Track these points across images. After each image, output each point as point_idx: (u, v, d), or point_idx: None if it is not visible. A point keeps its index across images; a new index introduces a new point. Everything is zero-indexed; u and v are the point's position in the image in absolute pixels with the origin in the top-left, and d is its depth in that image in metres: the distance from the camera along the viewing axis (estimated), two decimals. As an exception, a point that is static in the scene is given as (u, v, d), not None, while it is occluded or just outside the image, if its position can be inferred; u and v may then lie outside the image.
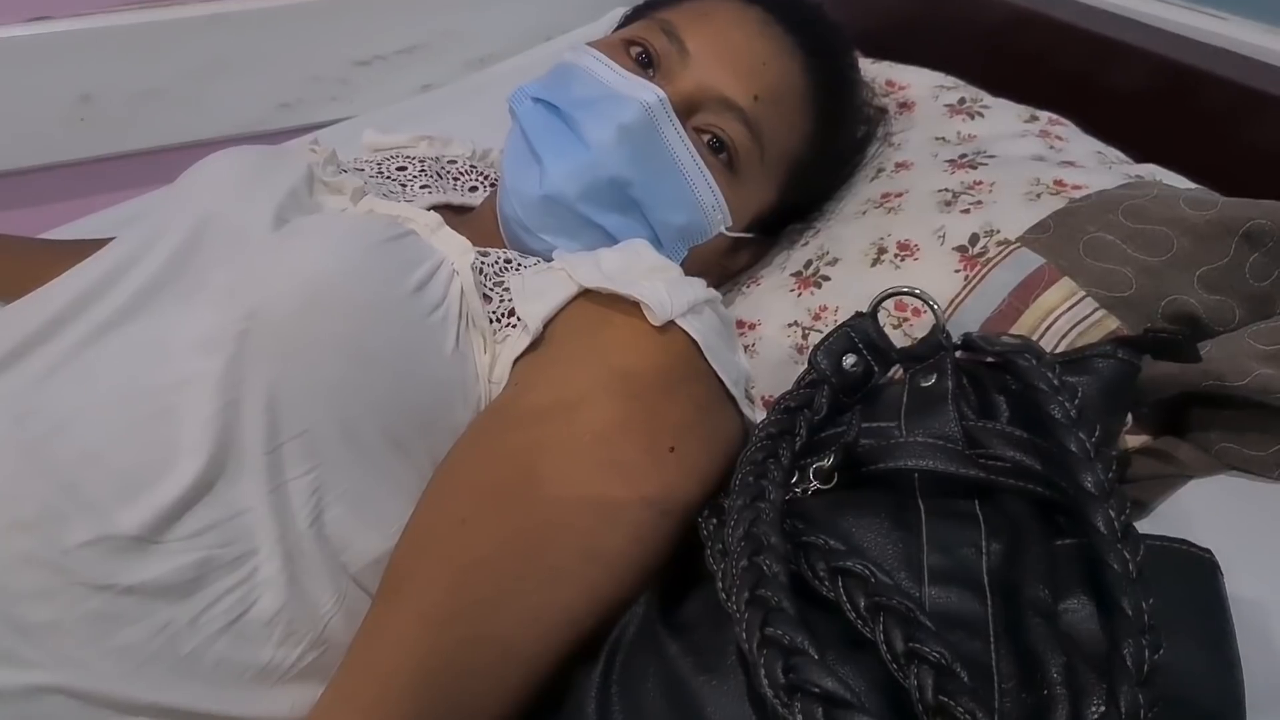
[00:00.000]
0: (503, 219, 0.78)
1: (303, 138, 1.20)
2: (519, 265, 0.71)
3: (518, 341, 0.64)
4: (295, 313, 0.59)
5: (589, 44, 0.80)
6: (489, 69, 1.32)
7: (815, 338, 0.72)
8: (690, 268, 0.78)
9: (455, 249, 0.67)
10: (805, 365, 0.64)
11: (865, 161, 0.90)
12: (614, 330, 0.63)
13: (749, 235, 0.82)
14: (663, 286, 0.63)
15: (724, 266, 0.84)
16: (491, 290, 0.67)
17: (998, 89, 0.94)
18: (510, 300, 0.66)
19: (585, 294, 0.65)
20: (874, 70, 0.97)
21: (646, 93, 0.73)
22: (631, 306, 0.63)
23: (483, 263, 0.68)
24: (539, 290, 0.66)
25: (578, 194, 0.72)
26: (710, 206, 0.76)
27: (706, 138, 0.75)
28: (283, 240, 0.65)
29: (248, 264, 0.63)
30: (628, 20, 0.87)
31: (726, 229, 0.78)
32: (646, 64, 0.77)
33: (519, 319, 0.65)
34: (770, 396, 0.74)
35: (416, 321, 0.62)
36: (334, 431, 0.58)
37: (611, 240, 0.74)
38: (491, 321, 0.65)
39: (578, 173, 0.72)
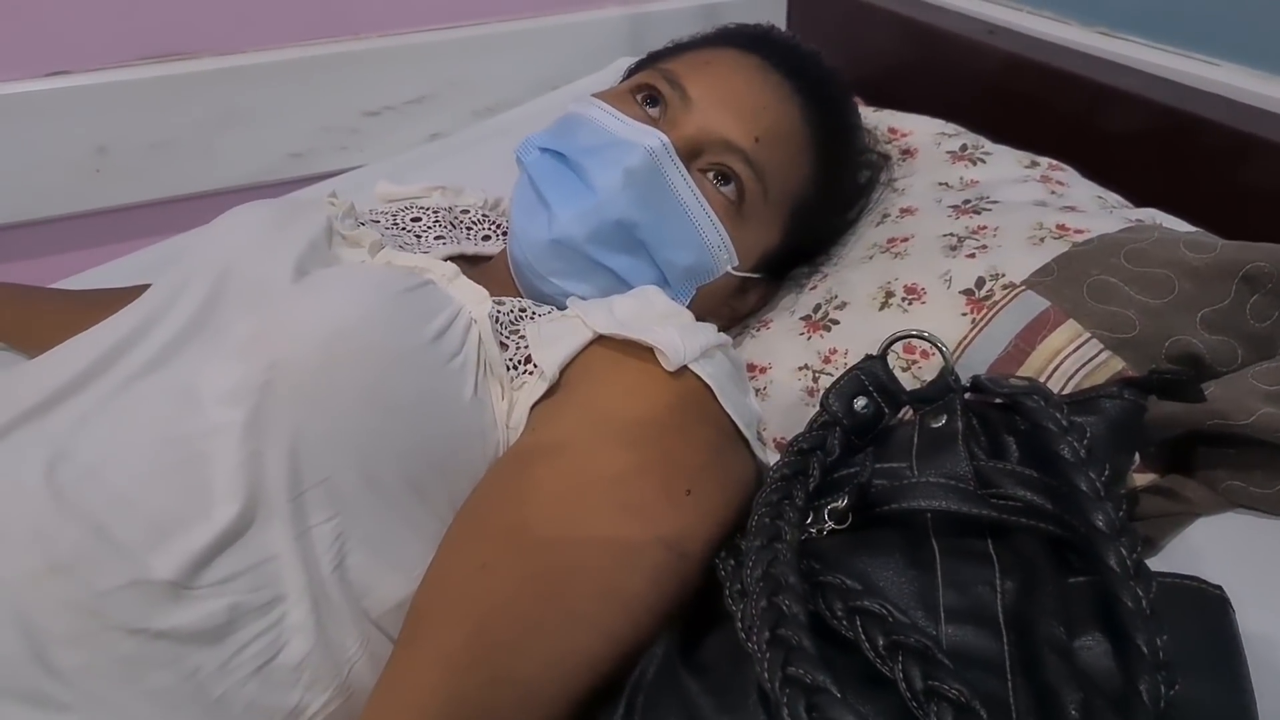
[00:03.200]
0: (514, 265, 0.79)
1: (315, 186, 1.22)
2: (534, 314, 0.72)
3: (535, 388, 0.65)
4: (316, 363, 0.60)
5: (594, 95, 0.82)
6: (496, 118, 1.34)
7: (825, 380, 0.74)
8: (699, 309, 0.79)
9: (472, 298, 0.68)
10: (816, 407, 0.65)
11: (870, 206, 0.91)
12: (629, 375, 0.64)
13: (756, 276, 0.83)
14: (675, 332, 0.64)
15: (733, 308, 0.85)
16: (508, 338, 0.68)
17: (996, 135, 0.96)
18: (526, 347, 0.67)
19: (599, 340, 0.66)
20: (876, 118, 0.99)
21: (650, 138, 0.75)
22: (645, 352, 0.64)
23: (499, 311, 0.70)
24: (554, 337, 0.67)
25: (585, 237, 0.74)
26: (716, 246, 0.78)
27: (711, 174, 0.77)
28: (303, 292, 0.66)
29: (269, 315, 0.64)
30: (631, 74, 0.89)
31: (733, 268, 0.80)
32: (652, 105, 0.79)
33: (535, 365, 0.66)
34: (782, 438, 0.75)
35: (435, 370, 0.63)
36: (355, 478, 0.59)
37: (620, 282, 0.76)
38: (508, 369, 0.67)
39: (585, 216, 0.74)
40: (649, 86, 0.80)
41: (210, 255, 0.72)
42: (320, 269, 0.70)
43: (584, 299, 0.74)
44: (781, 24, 1.43)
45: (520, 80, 1.36)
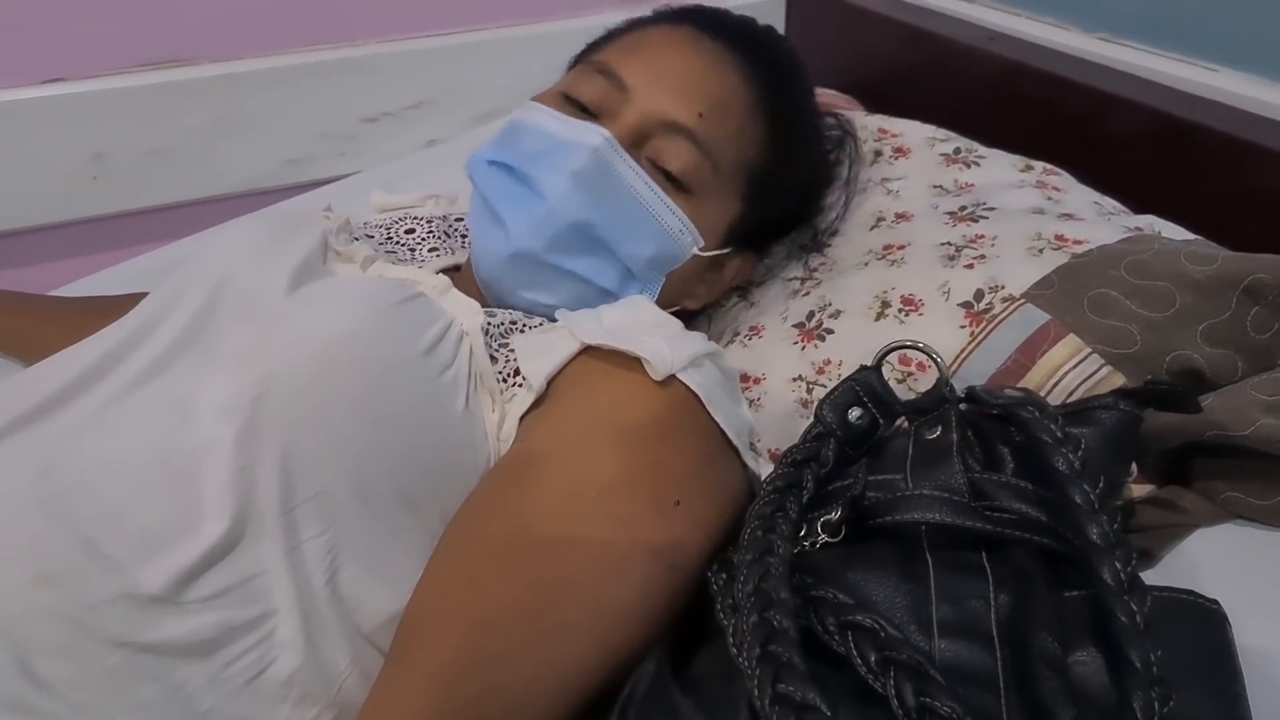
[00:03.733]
0: (480, 283, 0.78)
1: (314, 193, 1.22)
2: (524, 326, 0.72)
3: (523, 400, 0.65)
4: (308, 376, 0.60)
5: (534, 98, 0.81)
6: (494, 124, 1.33)
7: (820, 391, 0.73)
8: (672, 292, 0.79)
9: (464, 310, 0.68)
10: (810, 418, 0.64)
11: (852, 188, 0.90)
12: (616, 385, 0.63)
13: (725, 251, 0.82)
14: (663, 342, 0.64)
15: (710, 283, 0.84)
16: (498, 351, 0.68)
17: (996, 141, 0.96)
18: (514, 360, 0.67)
19: (588, 351, 0.66)
20: (867, 121, 0.99)
21: (592, 135, 0.73)
22: (633, 362, 0.63)
23: (490, 323, 0.69)
24: (542, 348, 0.66)
25: (544, 246, 0.73)
26: (677, 231, 0.76)
27: (662, 167, 0.75)
28: (295, 305, 0.66)
29: (262, 329, 0.64)
30: (571, 66, 0.87)
31: (699, 249, 0.78)
32: (587, 112, 0.77)
33: (524, 378, 0.65)
34: (776, 449, 0.75)
35: (427, 383, 0.62)
36: (347, 492, 0.59)
37: (587, 284, 0.75)
38: (499, 381, 0.66)
39: (539, 225, 0.73)
40: (581, 88, 0.78)
41: (205, 268, 0.72)
42: (312, 283, 0.70)
43: (558, 306, 0.74)
44: (780, 29, 1.42)
45: (518, 86, 1.32)
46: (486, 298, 0.79)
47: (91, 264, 1.18)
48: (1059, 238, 0.74)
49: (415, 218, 0.91)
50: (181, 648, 0.55)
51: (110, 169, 1.19)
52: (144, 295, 0.74)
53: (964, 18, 1.23)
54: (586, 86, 0.78)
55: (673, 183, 0.76)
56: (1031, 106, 1.06)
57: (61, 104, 1.15)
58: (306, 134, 1.28)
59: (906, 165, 0.91)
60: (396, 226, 0.89)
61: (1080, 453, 0.54)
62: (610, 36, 0.85)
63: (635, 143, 0.75)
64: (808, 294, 0.82)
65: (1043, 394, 0.67)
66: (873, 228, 0.85)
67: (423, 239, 0.88)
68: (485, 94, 1.35)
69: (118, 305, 0.79)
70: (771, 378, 0.77)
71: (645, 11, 1.38)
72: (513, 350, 0.68)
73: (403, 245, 0.87)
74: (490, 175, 0.77)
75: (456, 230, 0.91)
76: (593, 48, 0.85)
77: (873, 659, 0.47)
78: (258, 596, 0.57)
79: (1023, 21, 1.19)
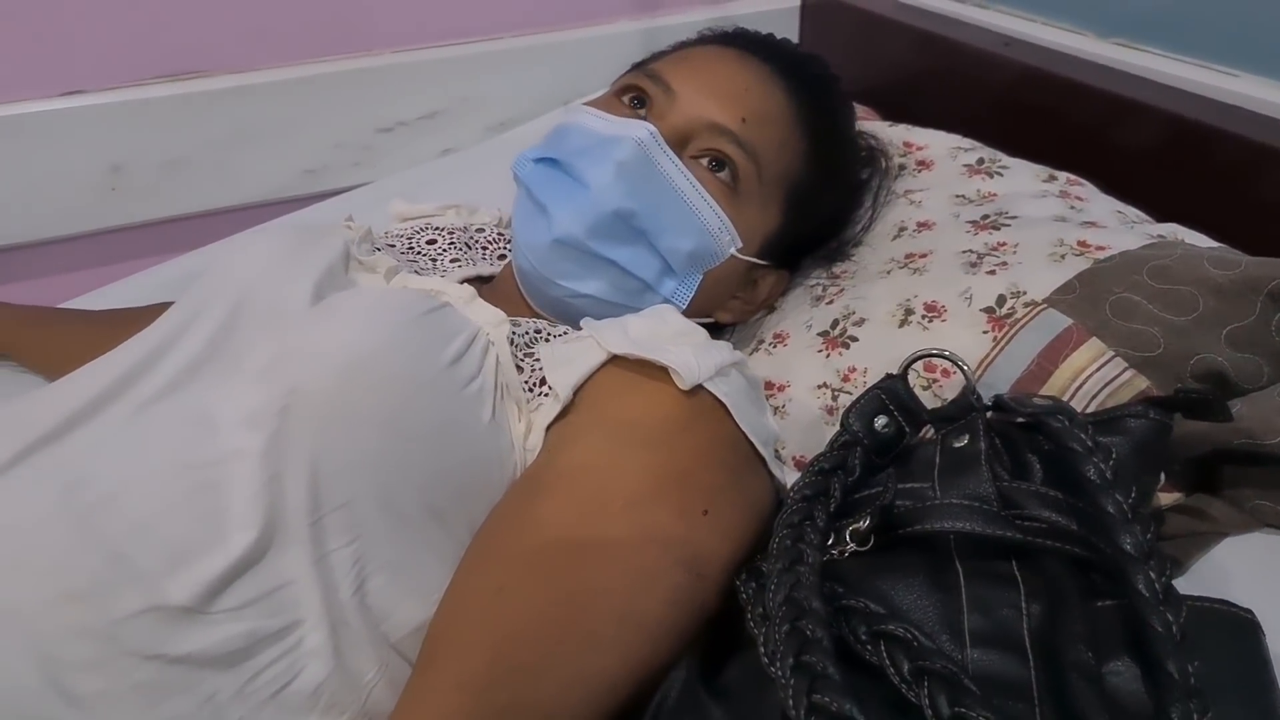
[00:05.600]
0: (520, 274, 0.79)
1: (329, 202, 1.23)
2: (549, 335, 0.73)
3: (550, 409, 0.65)
4: (334, 387, 0.60)
5: (582, 103, 0.82)
6: (509, 133, 1.34)
7: (845, 399, 0.73)
8: (709, 298, 0.80)
9: (489, 320, 0.68)
10: (836, 426, 0.64)
11: (879, 203, 0.91)
12: (643, 395, 0.63)
13: (763, 263, 0.83)
14: (689, 351, 0.64)
15: (743, 299, 0.85)
16: (523, 360, 0.68)
17: (1011, 147, 0.95)
18: (541, 370, 0.67)
19: (614, 360, 0.66)
20: (891, 132, 0.99)
21: (637, 129, 0.75)
22: (659, 371, 0.63)
23: (515, 333, 0.69)
24: (568, 358, 0.67)
25: (585, 232, 0.74)
26: (716, 229, 0.77)
27: (705, 160, 0.77)
28: (320, 317, 0.66)
29: (288, 340, 0.64)
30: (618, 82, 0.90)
31: (737, 250, 0.79)
32: (639, 105, 0.79)
33: (550, 387, 0.66)
34: (802, 457, 0.74)
35: (454, 393, 0.62)
36: (374, 502, 0.59)
37: (626, 274, 0.76)
38: (525, 391, 0.66)
39: (582, 212, 0.74)
40: (632, 87, 0.80)
41: (227, 279, 0.72)
42: (336, 294, 0.70)
43: (596, 297, 0.75)
44: (794, 38, 1.42)
45: (532, 96, 1.36)
46: (524, 294, 0.80)
47: (110, 275, 1.18)
48: (1081, 244, 0.74)
49: (436, 228, 0.91)
50: (211, 659, 0.55)
51: (128, 180, 1.19)
52: (165, 306, 0.74)
53: (979, 23, 1.23)
54: (635, 90, 0.80)
55: (715, 182, 0.77)
56: (1048, 113, 1.06)
57: (80, 116, 1.16)
58: (322, 144, 1.28)
59: (929, 176, 0.91)
60: (418, 236, 0.90)
61: (1111, 461, 0.54)
62: (659, 55, 0.88)
63: (679, 142, 0.77)
64: (831, 302, 0.81)
65: (1066, 398, 0.67)
66: (895, 237, 0.85)
67: (444, 249, 0.89)
68: (499, 103, 1.35)
69: (139, 317, 0.79)
70: (796, 385, 0.77)
71: (661, 22, 1.40)
72: (538, 360, 0.68)
73: (424, 255, 0.88)
74: (536, 170, 0.79)
75: (477, 241, 0.91)
76: (641, 63, 0.88)
77: (906, 669, 0.47)
78: (285, 606, 0.57)
79: (1038, 27, 1.19)
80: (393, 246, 0.87)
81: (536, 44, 1.36)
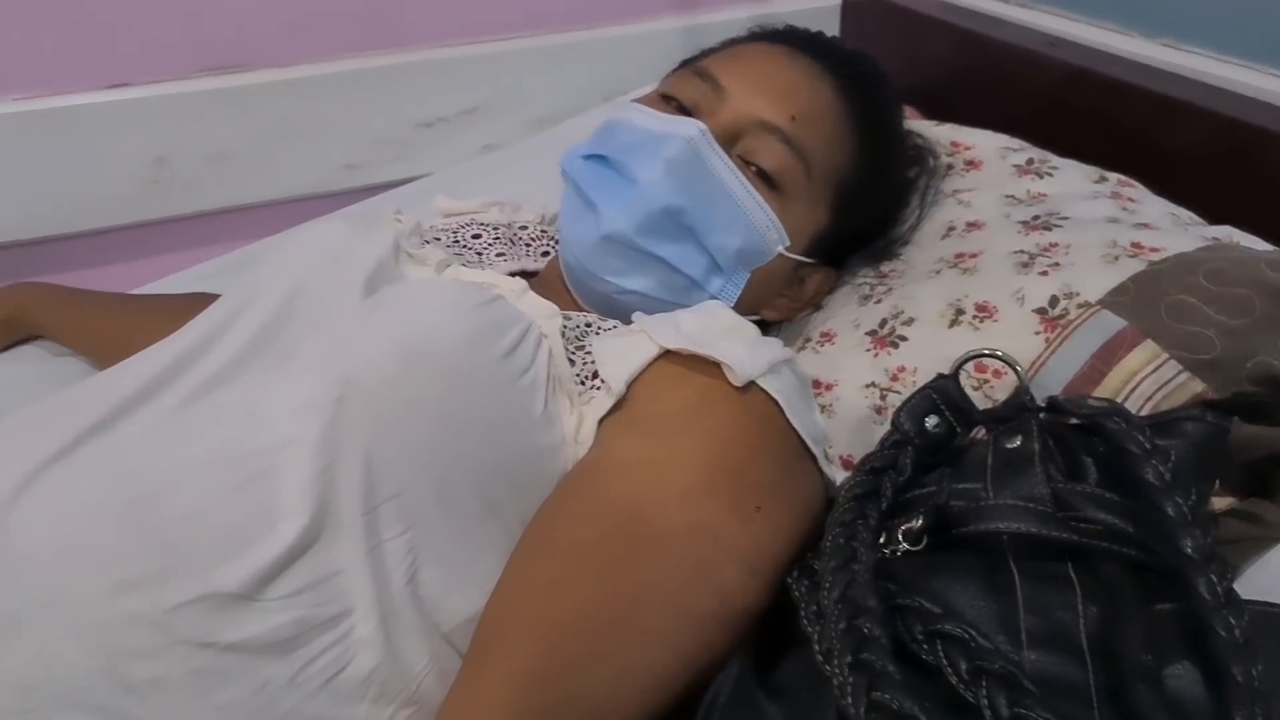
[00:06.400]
0: (566, 270, 0.80)
1: (377, 199, 1.23)
2: (599, 328, 0.73)
3: (602, 403, 0.65)
4: (390, 379, 0.60)
5: (632, 100, 0.83)
6: (549, 130, 1.34)
7: (894, 398, 0.73)
8: (755, 296, 0.80)
9: (541, 314, 0.69)
10: (885, 425, 0.64)
11: (927, 203, 0.91)
12: (696, 391, 0.63)
13: (810, 261, 0.83)
14: (742, 347, 0.64)
15: (789, 297, 0.85)
16: (575, 354, 0.68)
17: (1056, 148, 0.95)
18: (593, 363, 0.68)
19: (666, 355, 0.66)
20: (938, 132, 0.98)
21: (687, 127, 0.75)
22: (712, 367, 0.63)
23: (565, 327, 0.70)
24: (620, 352, 0.67)
25: (634, 228, 0.74)
26: (764, 226, 0.77)
27: (752, 164, 0.77)
28: (375, 309, 0.67)
29: (342, 333, 0.64)
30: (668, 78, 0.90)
31: (785, 249, 0.79)
32: (685, 113, 0.79)
33: (602, 381, 0.66)
34: (849, 456, 0.74)
35: (508, 385, 0.63)
36: (428, 493, 0.59)
37: (673, 271, 0.76)
38: (577, 384, 0.67)
39: (631, 208, 0.74)
40: (680, 88, 0.80)
41: (278, 271, 0.73)
42: (388, 287, 0.71)
43: (643, 294, 0.75)
44: (834, 34, 1.41)
45: (573, 92, 1.36)
46: (570, 290, 0.80)
47: (153, 266, 1.20)
48: (1135, 245, 0.73)
49: (481, 224, 0.92)
50: (262, 646, 0.55)
51: (171, 173, 1.21)
52: (214, 297, 0.75)
53: (1022, 23, 1.22)
54: (684, 88, 0.80)
55: (764, 180, 0.77)
56: (1095, 114, 1.05)
57: (125, 109, 1.17)
58: (363, 139, 1.29)
59: (978, 176, 0.91)
60: (463, 231, 0.90)
61: (1170, 464, 0.53)
62: (708, 52, 0.88)
63: (729, 140, 0.77)
64: (880, 301, 0.81)
65: (1119, 400, 0.66)
66: (944, 236, 0.85)
67: (489, 244, 0.89)
68: (538, 99, 1.36)
69: (190, 305, 0.80)
70: (844, 384, 0.76)
71: (702, 19, 1.40)
72: (589, 353, 0.68)
73: (470, 249, 0.88)
74: (585, 167, 0.79)
75: (521, 238, 0.92)
76: (689, 60, 0.88)
77: (964, 668, 0.47)
78: (336, 595, 0.57)
79: (1083, 27, 1.18)
80: (439, 240, 0.88)
81: (577, 40, 1.36)
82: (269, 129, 1.24)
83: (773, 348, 0.66)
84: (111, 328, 1.00)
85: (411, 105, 1.30)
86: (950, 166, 0.94)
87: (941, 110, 1.10)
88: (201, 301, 0.83)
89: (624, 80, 1.37)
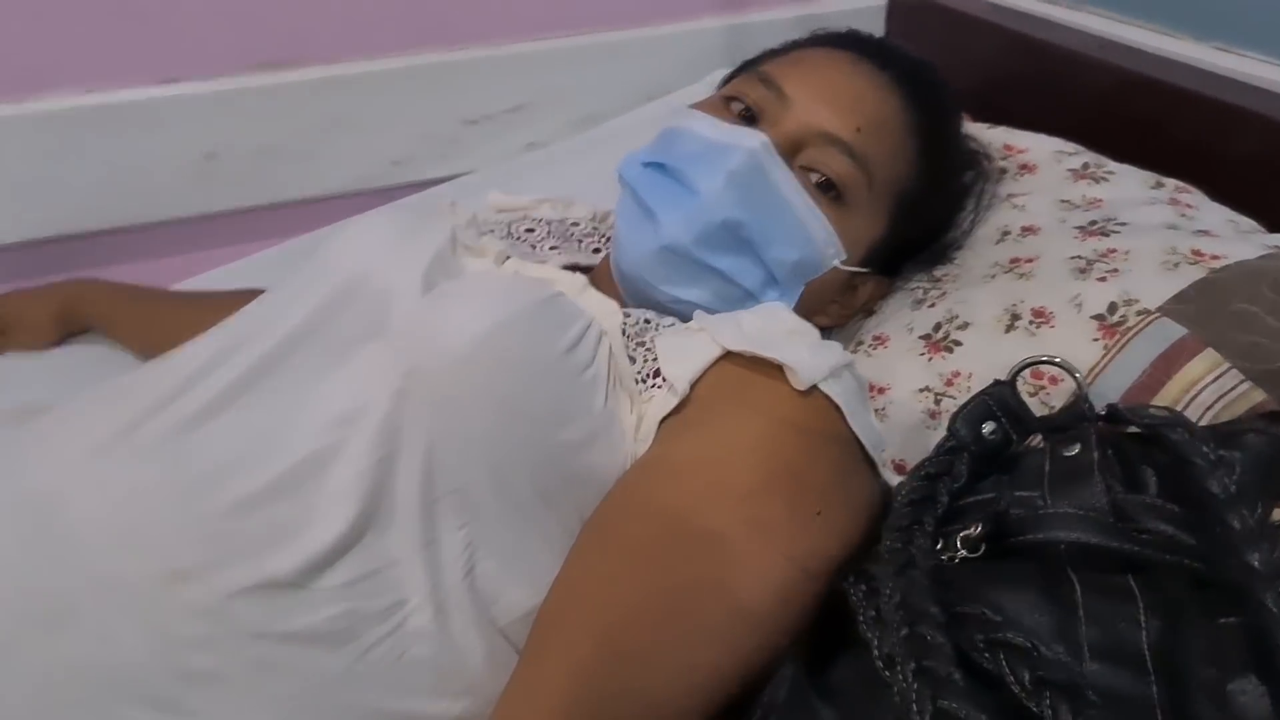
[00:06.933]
0: (620, 277, 0.80)
1: (425, 193, 1.24)
2: (657, 325, 0.73)
3: (664, 401, 0.65)
4: (453, 372, 0.60)
5: (691, 105, 0.82)
6: (593, 129, 1.35)
7: (948, 403, 0.73)
8: (808, 304, 0.79)
9: (602, 310, 0.69)
10: (938, 430, 0.64)
11: (983, 208, 0.90)
12: (759, 393, 0.63)
13: (864, 270, 0.82)
14: (805, 350, 0.64)
15: (841, 304, 0.85)
16: (634, 351, 0.69)
17: (1106, 151, 0.94)
18: (654, 360, 0.68)
19: (728, 356, 0.66)
20: (991, 135, 0.98)
21: (750, 139, 0.75)
22: (774, 369, 0.63)
23: (625, 324, 0.70)
24: (684, 352, 0.67)
25: (693, 240, 0.74)
26: (822, 241, 0.77)
27: (814, 176, 0.77)
28: (439, 302, 0.67)
29: (403, 325, 0.65)
30: (728, 80, 0.90)
31: (840, 262, 0.79)
32: (749, 118, 0.79)
33: (664, 379, 0.66)
34: (901, 460, 0.74)
35: (569, 380, 0.63)
36: (487, 488, 0.60)
37: (729, 282, 0.76)
38: (637, 382, 0.67)
39: (691, 219, 0.74)
40: (742, 95, 0.80)
41: (335, 263, 0.73)
42: (447, 279, 0.71)
43: (697, 305, 0.75)
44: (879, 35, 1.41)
45: (617, 91, 1.36)
46: (623, 295, 0.80)
47: (202, 259, 1.22)
48: (1195, 252, 0.72)
49: (534, 218, 0.92)
50: (317, 637, 0.56)
51: (221, 167, 1.22)
52: (262, 292, 0.76)
53: (1071, 25, 1.21)
54: (748, 93, 0.80)
55: (824, 191, 0.77)
56: (1145, 119, 1.04)
57: (176, 104, 1.18)
58: (409, 135, 1.30)
59: (1033, 180, 0.90)
60: (516, 225, 0.91)
61: (1234, 477, 0.53)
62: (770, 54, 0.87)
63: (792, 150, 0.77)
64: (933, 305, 0.81)
65: (1178, 409, 0.66)
66: (999, 241, 0.85)
67: (542, 238, 0.89)
68: (583, 98, 1.36)
69: (241, 301, 0.81)
70: (897, 388, 0.76)
71: (745, 19, 1.40)
72: (649, 350, 0.69)
73: (524, 242, 0.88)
74: (644, 174, 0.79)
75: (573, 234, 0.92)
76: (751, 62, 0.88)
77: (1026, 678, 0.47)
78: (389, 586, 0.58)
79: (1133, 30, 1.17)
80: (492, 232, 0.88)
81: (621, 39, 1.36)
82: (317, 125, 1.25)
83: (834, 351, 0.66)
84: (162, 323, 1.01)
85: (458, 103, 1.31)
86: (1004, 170, 0.93)
87: (987, 112, 1.10)
88: (254, 297, 0.83)
89: (668, 79, 1.37)
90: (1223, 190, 0.88)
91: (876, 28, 1.42)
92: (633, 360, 0.68)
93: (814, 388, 0.63)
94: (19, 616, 0.55)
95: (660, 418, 0.64)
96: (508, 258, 0.77)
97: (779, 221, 0.75)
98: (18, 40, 1.08)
